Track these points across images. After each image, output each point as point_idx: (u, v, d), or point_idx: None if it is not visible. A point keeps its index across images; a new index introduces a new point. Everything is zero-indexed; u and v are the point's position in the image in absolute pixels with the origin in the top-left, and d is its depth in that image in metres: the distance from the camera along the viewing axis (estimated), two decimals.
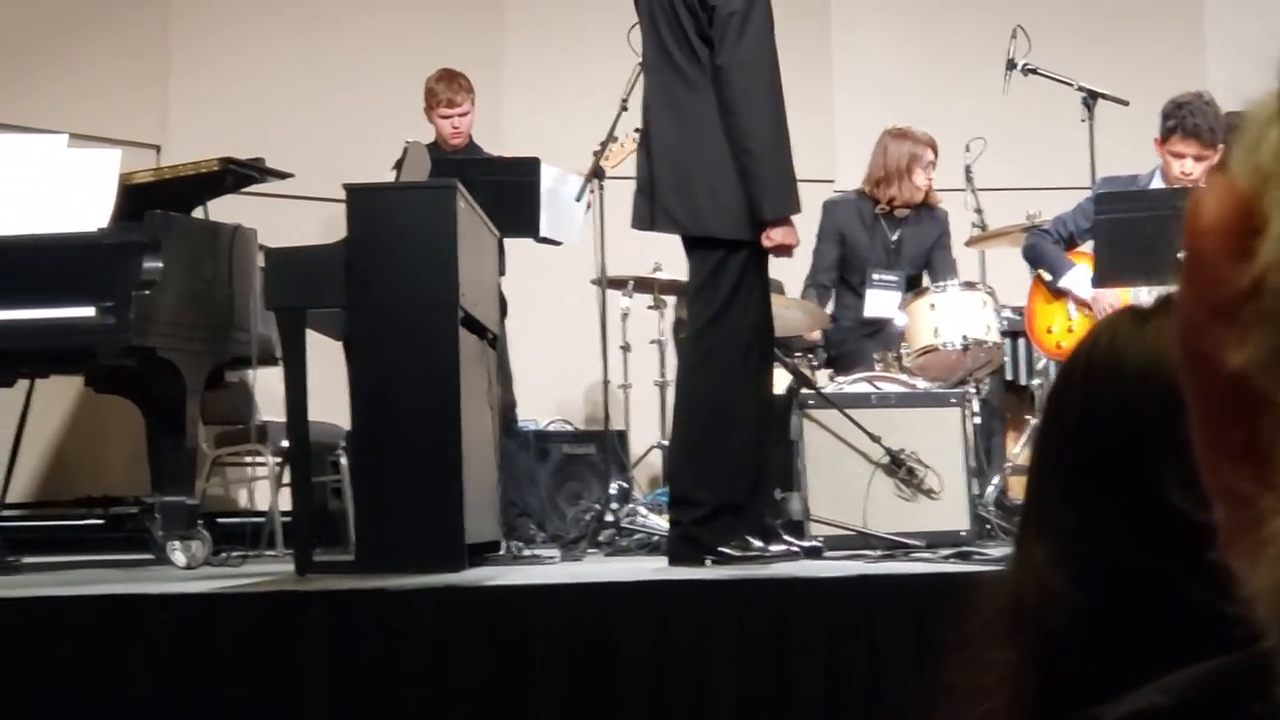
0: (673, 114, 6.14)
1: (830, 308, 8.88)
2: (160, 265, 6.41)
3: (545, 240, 8.28)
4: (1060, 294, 7.98)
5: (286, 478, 7.43)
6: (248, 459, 8.82)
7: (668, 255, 8.72)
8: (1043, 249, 8.01)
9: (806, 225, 9.26)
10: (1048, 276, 8.02)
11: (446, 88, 8.69)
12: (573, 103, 9.94)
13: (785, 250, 6.10)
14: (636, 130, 8.13)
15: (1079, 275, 7.85)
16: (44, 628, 4.59)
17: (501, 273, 8.33)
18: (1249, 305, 0.61)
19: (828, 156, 11.01)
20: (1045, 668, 1.04)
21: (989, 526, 7.22)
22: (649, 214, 6.22)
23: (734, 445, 6.11)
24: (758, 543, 6.09)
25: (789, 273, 9.54)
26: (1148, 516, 1.04)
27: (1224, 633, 0.69)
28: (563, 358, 9.40)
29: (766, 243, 6.01)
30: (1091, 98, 8.06)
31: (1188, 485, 0.68)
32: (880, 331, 8.68)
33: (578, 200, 7.93)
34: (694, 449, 6.15)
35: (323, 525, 7.83)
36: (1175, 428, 0.66)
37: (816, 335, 8.89)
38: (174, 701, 4.52)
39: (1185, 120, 7.52)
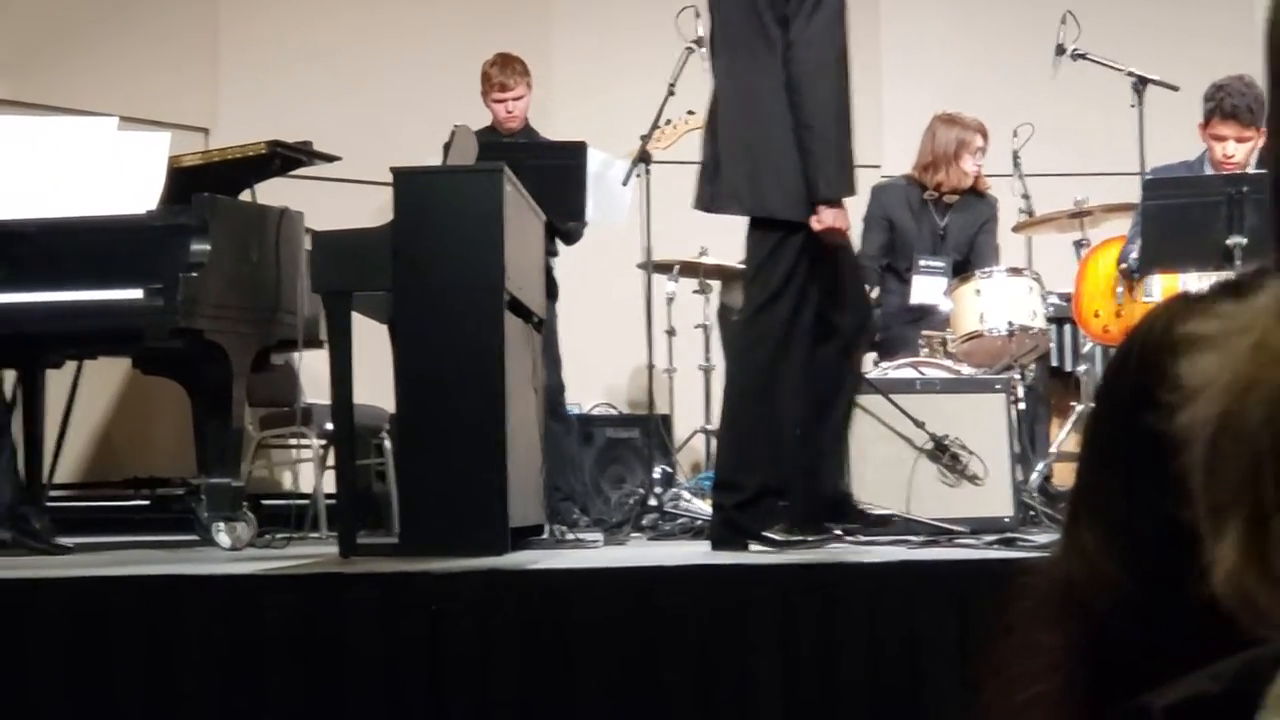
0: (740, 95, 6.13)
1: (875, 293, 8.85)
2: (208, 248, 6.43)
3: (566, 233, 8.29)
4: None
5: (331, 460, 7.45)
6: (293, 441, 8.85)
7: (714, 240, 8.72)
8: None
9: (854, 209, 9.27)
10: None
11: (500, 72, 8.68)
12: (620, 88, 9.93)
13: (834, 233, 6.08)
14: (689, 113, 8.14)
15: None
16: (90, 608, 4.60)
17: (553, 254, 8.34)
18: None
19: (875, 141, 10.97)
20: (1095, 653, 1.04)
21: (1033, 513, 7.19)
22: (711, 196, 6.21)
23: (779, 430, 6.11)
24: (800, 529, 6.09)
25: None
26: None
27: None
28: (608, 342, 9.39)
29: (816, 225, 5.99)
30: (1141, 83, 8.00)
31: None
32: (926, 317, 8.65)
33: (624, 184, 7.92)
34: (739, 432, 6.15)
35: (367, 508, 7.85)
36: None
37: None
38: (219, 682, 4.54)
39: (1224, 102, 7.48)
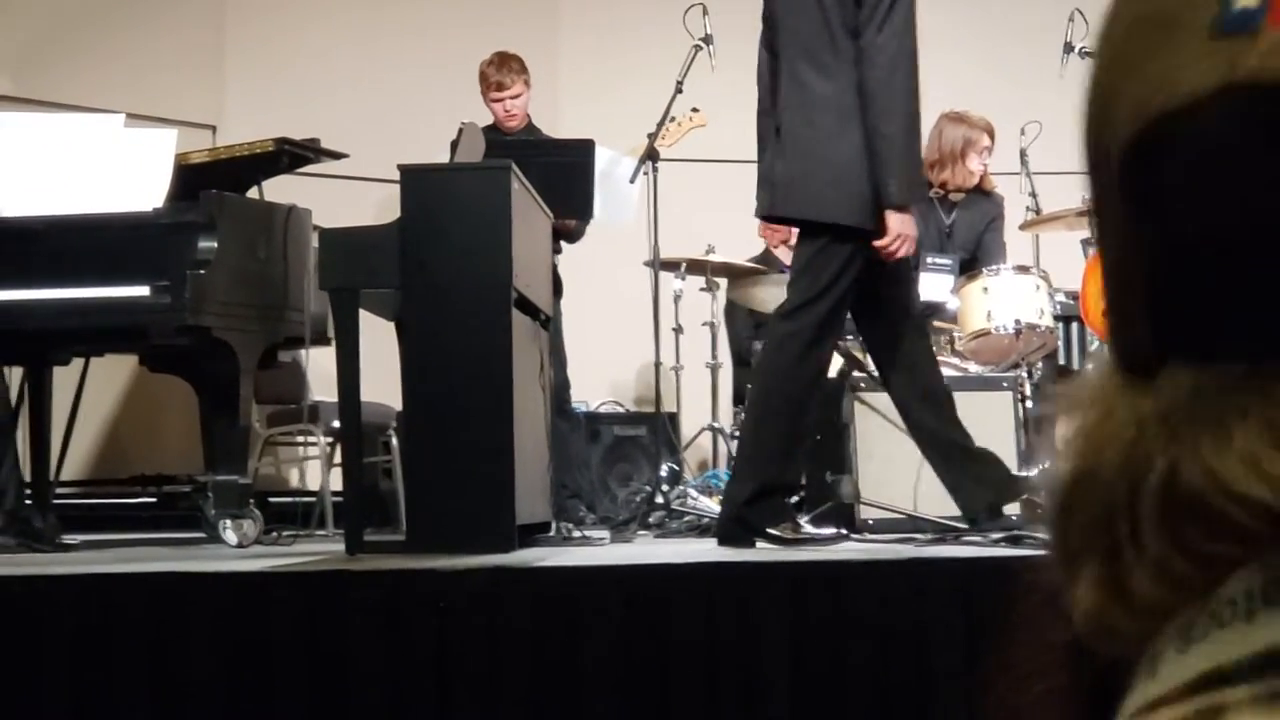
0: (807, 103, 6.12)
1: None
2: (215, 245, 6.43)
3: (569, 231, 8.30)
4: None
5: (338, 457, 7.45)
6: (300, 438, 8.86)
7: (721, 238, 8.73)
8: None
9: None
10: None
11: (496, 71, 8.68)
12: (628, 86, 9.94)
13: (902, 241, 6.07)
14: (694, 110, 8.14)
15: None
16: (97, 605, 4.61)
17: (557, 251, 8.34)
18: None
19: None
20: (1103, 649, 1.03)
21: (1040, 510, 7.18)
22: (771, 201, 6.21)
23: (792, 429, 6.12)
24: (809, 527, 6.09)
25: None
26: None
27: None
28: (615, 339, 9.40)
29: (885, 237, 5.99)
30: None
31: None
32: (933, 315, 8.65)
33: (632, 182, 7.92)
34: (755, 428, 6.16)
35: (374, 505, 7.85)
36: None
37: None
38: (226, 679, 4.54)
39: None
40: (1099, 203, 0.71)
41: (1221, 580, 0.65)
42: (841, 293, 6.09)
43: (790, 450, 6.14)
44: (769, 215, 6.37)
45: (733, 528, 6.03)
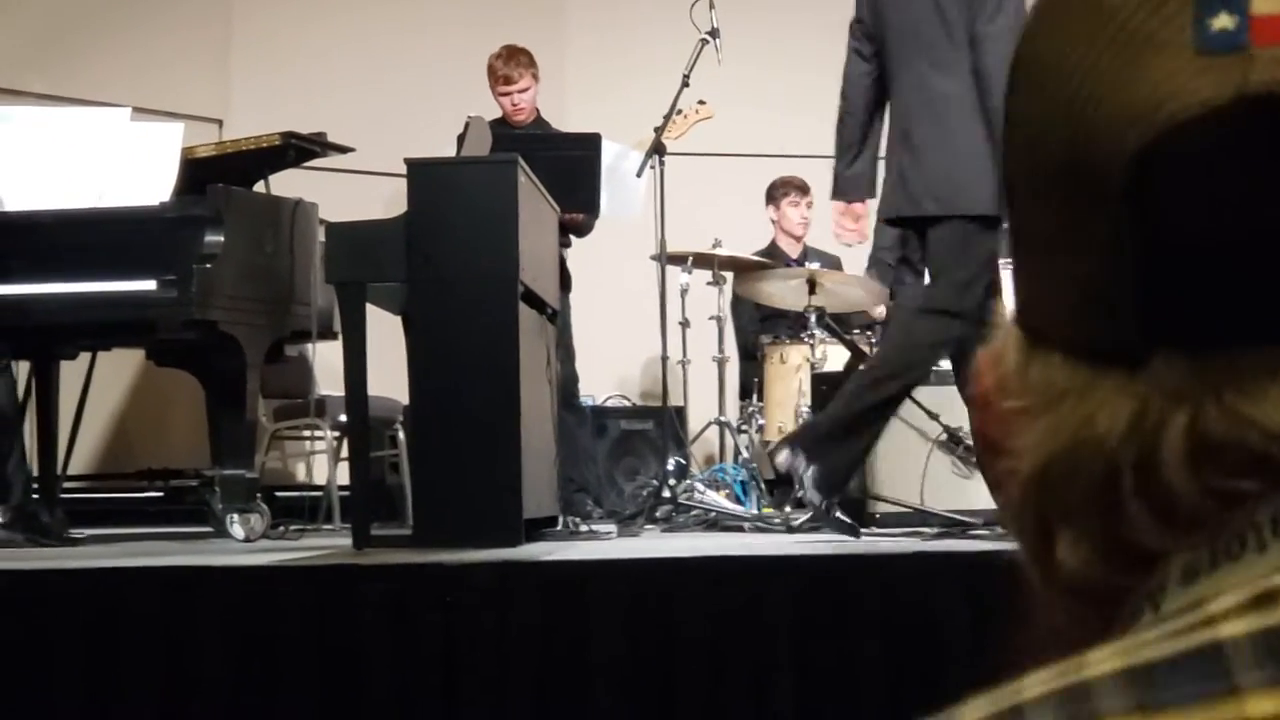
0: (933, 101, 6.10)
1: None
2: (221, 239, 6.43)
3: (577, 225, 8.30)
4: None
5: (345, 452, 7.46)
6: (306, 433, 8.86)
7: (727, 232, 8.73)
8: None
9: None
10: None
11: (504, 64, 8.67)
12: (634, 80, 9.94)
13: None
14: (700, 102, 8.14)
15: None
16: (105, 600, 4.61)
17: (566, 245, 8.35)
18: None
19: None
20: (1111, 639, 1.03)
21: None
22: (906, 200, 6.16)
23: (888, 414, 6.18)
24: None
25: (849, 250, 9.53)
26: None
27: None
28: (621, 333, 9.40)
29: None
30: None
31: None
32: None
33: (638, 176, 7.92)
34: (870, 405, 6.18)
35: (380, 499, 7.86)
36: None
37: (880, 312, 8.88)
38: (233, 673, 4.54)
39: None
40: (1062, 214, 0.75)
41: (1232, 519, 0.70)
42: (985, 286, 6.09)
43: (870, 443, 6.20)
44: (904, 217, 6.28)
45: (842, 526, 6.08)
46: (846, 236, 6.62)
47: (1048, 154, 0.75)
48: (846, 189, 6.43)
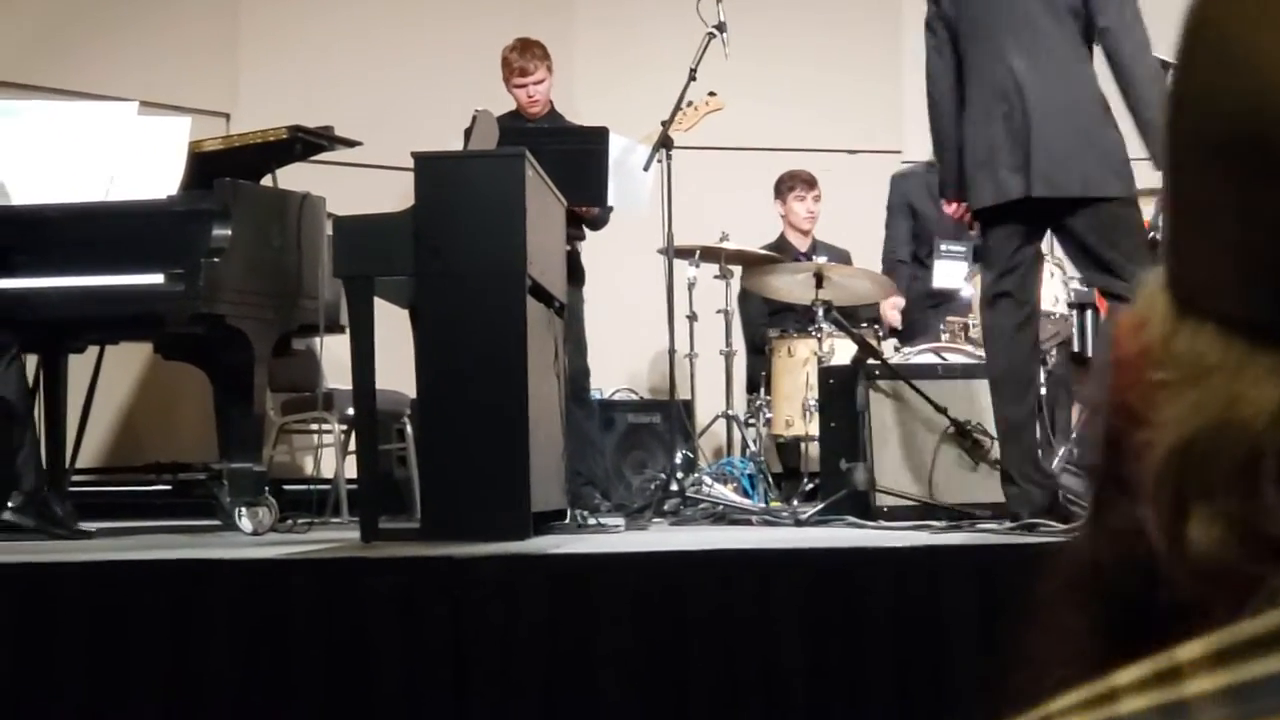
0: (1054, 89, 6.09)
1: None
2: (229, 233, 6.44)
3: (592, 219, 8.31)
4: None
5: (352, 445, 7.46)
6: (314, 426, 8.86)
7: (734, 225, 8.72)
8: None
9: (877, 199, 9.27)
10: None
11: (519, 57, 8.66)
12: (642, 74, 9.94)
13: None
14: (711, 94, 8.14)
15: None
16: (113, 592, 4.61)
17: (580, 238, 8.36)
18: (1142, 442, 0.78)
19: (895, 128, 10.98)
20: (1122, 636, 1.03)
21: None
22: (1024, 184, 6.08)
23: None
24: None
25: (857, 243, 9.54)
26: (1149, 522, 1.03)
27: None
28: (629, 327, 9.40)
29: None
30: (1164, 67, 7.98)
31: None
32: (946, 302, 8.66)
33: (645, 170, 7.92)
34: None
35: (388, 493, 7.86)
36: None
37: (896, 316, 8.91)
38: (241, 666, 4.54)
39: None
40: (1231, 185, 0.74)
41: None
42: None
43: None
44: (1027, 196, 6.18)
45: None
46: (960, 213, 6.55)
47: (1221, 125, 0.74)
48: (954, 187, 6.36)
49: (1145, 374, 0.78)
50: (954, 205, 6.44)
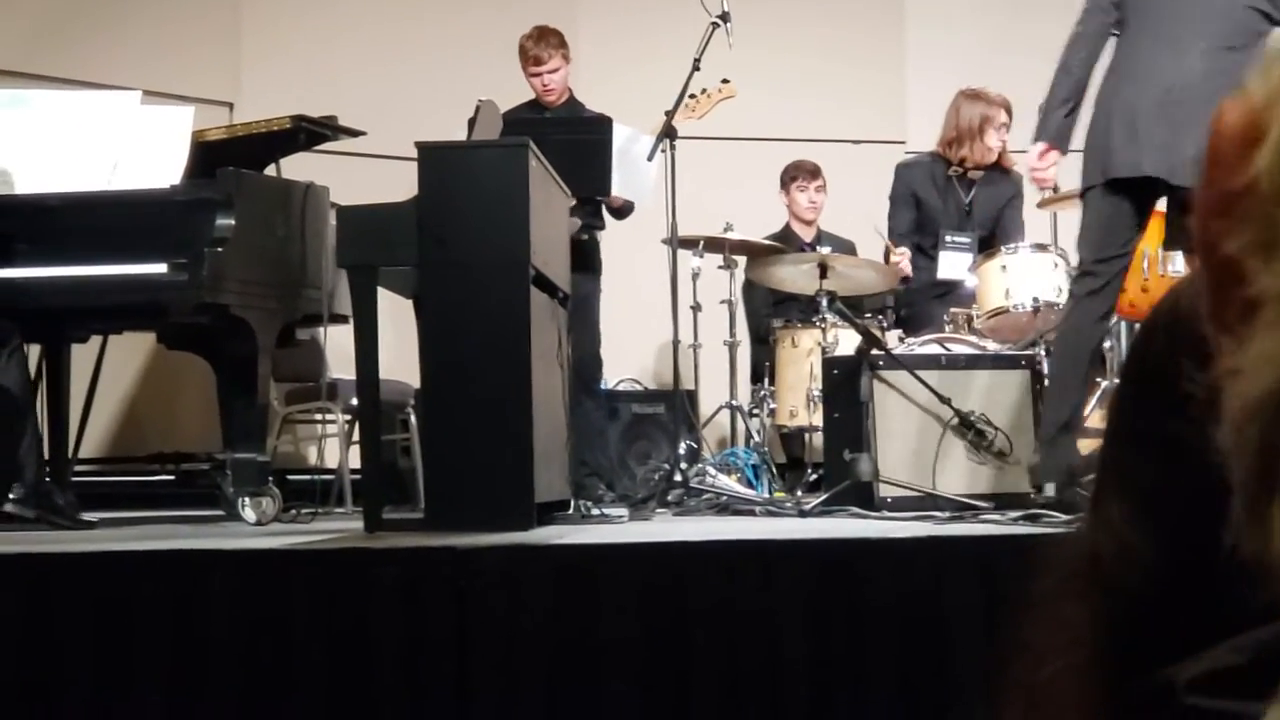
0: (1227, 84, 6.11)
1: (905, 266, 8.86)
2: (232, 222, 6.43)
3: (617, 209, 8.32)
4: None
5: (356, 435, 7.46)
6: (318, 416, 8.87)
7: (739, 216, 8.72)
8: None
9: (880, 188, 9.26)
10: None
11: (535, 45, 8.68)
12: (647, 64, 9.94)
13: None
14: (724, 81, 8.14)
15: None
16: (116, 583, 4.61)
17: (600, 227, 8.39)
18: (1243, 203, 0.74)
19: (899, 118, 10.98)
20: (1120, 627, 1.03)
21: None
22: (1171, 164, 6.08)
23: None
24: None
25: (861, 233, 9.53)
26: (1229, 471, 1.02)
27: None
28: (633, 317, 9.40)
29: None
30: None
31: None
32: (950, 293, 8.65)
33: (650, 160, 7.91)
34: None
35: (392, 483, 7.87)
36: None
37: (906, 265, 8.83)
38: (244, 656, 4.55)
39: None
40: None
41: None
42: None
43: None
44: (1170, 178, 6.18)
45: None
46: (1047, 179, 6.54)
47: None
48: (1060, 136, 6.36)
49: (1246, 162, 0.76)
50: (1048, 152, 6.41)
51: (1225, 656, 0.93)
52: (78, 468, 7.56)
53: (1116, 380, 6.85)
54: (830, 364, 7.51)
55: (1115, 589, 1.03)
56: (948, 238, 8.76)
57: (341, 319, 6.93)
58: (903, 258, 8.86)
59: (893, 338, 8.15)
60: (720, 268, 8.73)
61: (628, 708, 4.60)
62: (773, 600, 4.69)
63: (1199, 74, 6.03)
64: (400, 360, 6.85)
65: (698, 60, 7.81)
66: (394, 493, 7.79)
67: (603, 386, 9.18)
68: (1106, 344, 8.25)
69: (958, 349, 7.51)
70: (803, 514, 6.71)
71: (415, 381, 6.62)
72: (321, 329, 7.18)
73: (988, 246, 8.52)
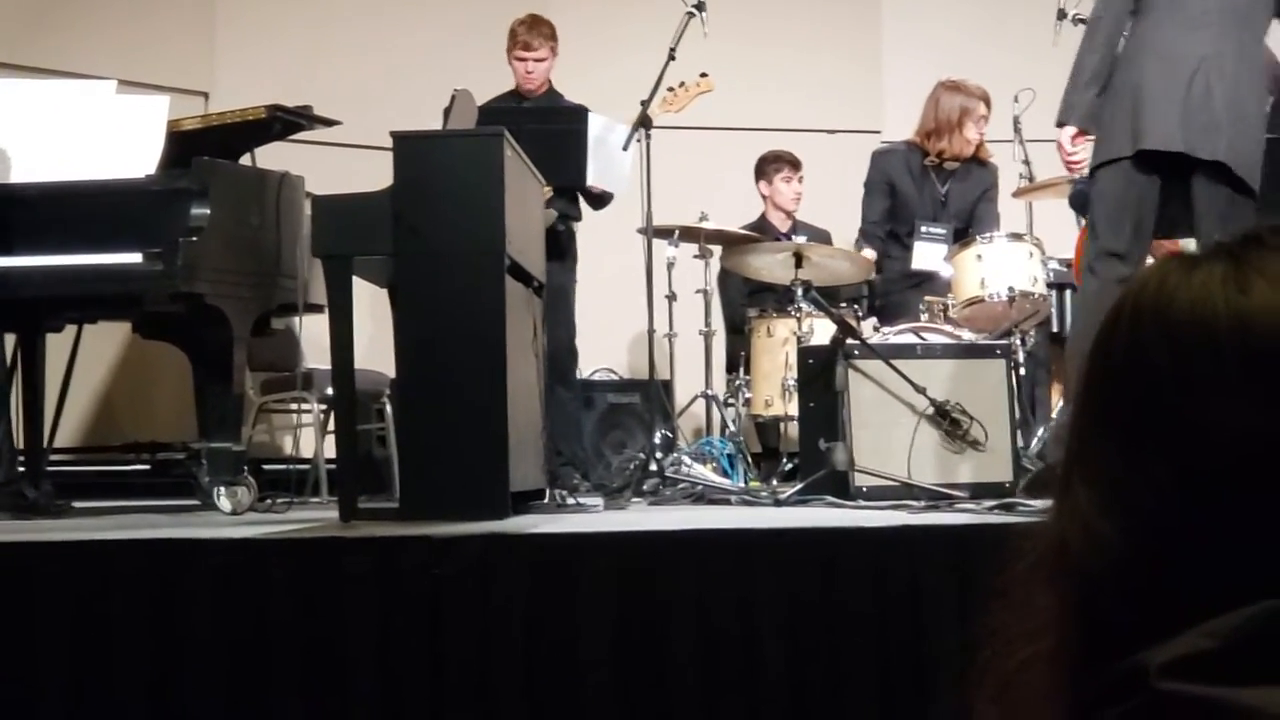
0: (1243, 63, 6.16)
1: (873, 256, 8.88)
2: (207, 212, 6.42)
3: (598, 197, 8.33)
4: None
5: (331, 425, 7.46)
6: (293, 406, 8.86)
7: (714, 205, 8.72)
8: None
9: (856, 175, 9.27)
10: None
11: (526, 31, 8.69)
12: (622, 54, 9.94)
13: None
14: (702, 75, 8.15)
15: None
16: (91, 571, 4.61)
17: (577, 218, 8.40)
18: None
19: (875, 108, 10.99)
20: (1089, 614, 1.04)
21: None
22: (1215, 147, 6.10)
23: None
24: None
25: (836, 223, 9.54)
26: (1194, 460, 1.03)
27: (1269, 577, 0.71)
28: (608, 307, 9.40)
29: None
30: None
31: (1233, 429, 0.74)
32: (926, 282, 8.67)
33: (625, 149, 7.92)
34: None
35: (367, 472, 7.85)
36: (1222, 371, 0.73)
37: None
38: (220, 645, 4.54)
39: None
40: None
41: None
42: None
43: None
44: (1211, 159, 6.17)
45: None
46: (1080, 162, 6.55)
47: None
48: (1090, 118, 6.38)
49: None
50: (1079, 136, 6.43)
51: (1197, 641, 0.94)
52: (53, 457, 7.54)
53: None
54: (805, 353, 7.52)
55: (1081, 576, 1.04)
56: (923, 228, 8.78)
57: (317, 308, 6.92)
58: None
59: (868, 327, 8.16)
60: (695, 257, 8.74)
61: (604, 697, 4.61)
62: (748, 589, 4.70)
63: (1218, 53, 6.10)
64: (375, 350, 6.85)
65: (673, 50, 7.82)
66: (369, 482, 7.78)
67: (578, 376, 9.19)
68: None
69: (933, 338, 7.52)
70: (778, 503, 6.72)
71: (391, 371, 6.61)
72: (297, 318, 7.17)
73: (963, 238, 8.54)
